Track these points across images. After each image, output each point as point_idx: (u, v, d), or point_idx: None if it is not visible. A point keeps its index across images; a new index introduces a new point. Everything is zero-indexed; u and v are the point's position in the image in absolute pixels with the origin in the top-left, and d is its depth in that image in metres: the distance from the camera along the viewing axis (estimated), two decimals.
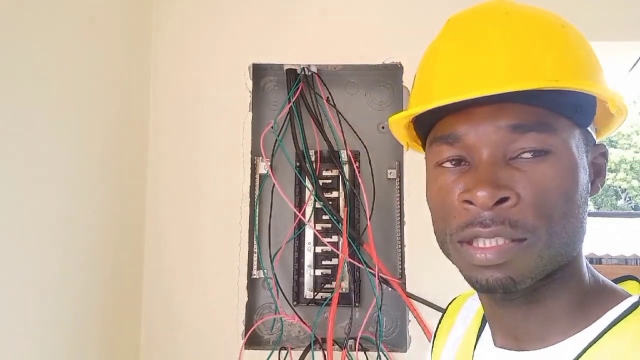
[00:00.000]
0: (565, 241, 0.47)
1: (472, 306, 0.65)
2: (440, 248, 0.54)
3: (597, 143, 0.53)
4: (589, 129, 0.51)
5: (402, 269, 1.32)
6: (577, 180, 0.48)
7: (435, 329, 0.70)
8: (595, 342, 0.47)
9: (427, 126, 0.55)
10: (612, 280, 0.55)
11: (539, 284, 0.49)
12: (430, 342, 0.71)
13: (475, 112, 0.48)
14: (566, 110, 0.48)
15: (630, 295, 0.51)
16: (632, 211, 11.38)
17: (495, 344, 0.56)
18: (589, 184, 0.50)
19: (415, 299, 1.26)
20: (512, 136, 0.47)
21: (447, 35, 0.54)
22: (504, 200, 0.46)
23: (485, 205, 0.46)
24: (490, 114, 0.48)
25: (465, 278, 0.51)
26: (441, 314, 0.71)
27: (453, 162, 0.50)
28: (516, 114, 0.47)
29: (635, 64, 1.49)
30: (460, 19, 0.54)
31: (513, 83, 0.46)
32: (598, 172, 0.53)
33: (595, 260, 5.99)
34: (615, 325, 0.47)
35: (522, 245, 0.46)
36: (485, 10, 0.52)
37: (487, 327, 0.59)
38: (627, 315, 0.48)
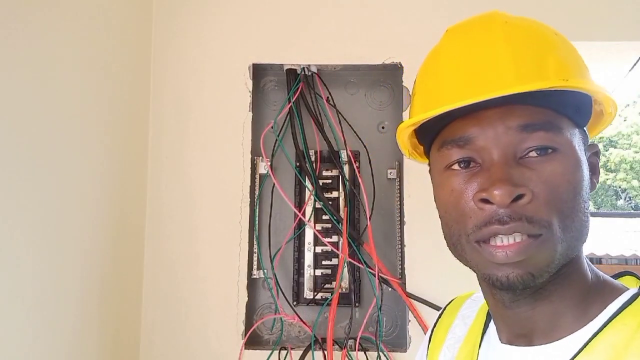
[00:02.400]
0: (575, 235, 0.49)
1: (472, 307, 0.66)
2: (452, 250, 0.55)
3: (590, 143, 0.56)
4: (585, 129, 0.54)
5: (402, 269, 1.31)
6: (582, 176, 0.50)
7: (431, 328, 0.70)
8: (597, 335, 0.49)
9: (432, 133, 0.56)
10: (611, 276, 0.57)
11: (546, 281, 0.50)
12: (426, 340, 0.71)
13: (484, 114, 0.50)
14: (568, 110, 0.51)
15: (629, 289, 0.53)
16: (632, 211, 11.38)
17: (501, 341, 0.57)
18: (590, 181, 0.52)
19: (415, 299, 1.26)
20: (521, 135, 0.49)
21: (449, 43, 0.55)
22: (519, 197, 0.48)
23: (503, 202, 0.47)
24: (500, 116, 0.49)
25: (483, 276, 0.52)
26: (438, 314, 0.71)
27: (462, 165, 0.52)
28: (524, 114, 0.49)
29: (635, 64, 1.49)
30: (460, 28, 0.56)
31: (522, 84, 0.48)
32: (593, 170, 0.55)
33: (595, 260, 5.99)
34: (615, 317, 0.49)
35: (538, 240, 0.48)
36: (484, 20, 0.54)
37: (491, 325, 0.61)
38: (626, 308, 0.50)
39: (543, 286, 0.51)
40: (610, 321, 0.49)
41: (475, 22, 0.55)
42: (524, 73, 0.49)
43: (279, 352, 1.27)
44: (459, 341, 0.64)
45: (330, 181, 1.37)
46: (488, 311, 0.62)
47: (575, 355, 0.49)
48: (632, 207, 12.53)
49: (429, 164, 0.59)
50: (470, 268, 0.54)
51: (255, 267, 1.34)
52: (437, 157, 0.55)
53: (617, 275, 0.57)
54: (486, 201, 0.49)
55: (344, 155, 1.36)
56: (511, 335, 0.56)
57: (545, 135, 0.49)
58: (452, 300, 0.72)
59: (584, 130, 0.54)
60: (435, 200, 0.56)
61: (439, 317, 0.71)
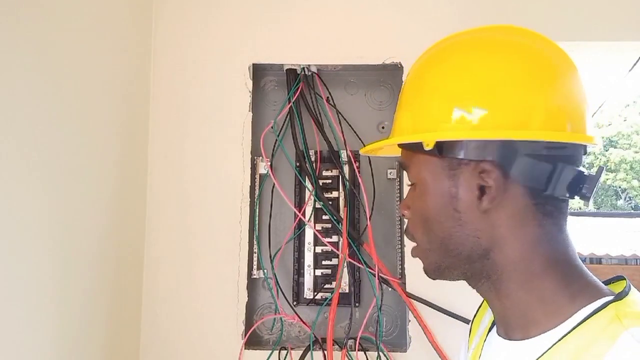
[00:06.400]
0: (432, 247, 0.62)
1: None
2: None
3: (481, 160, 0.57)
4: (460, 156, 0.57)
5: (402, 269, 1.32)
6: (433, 203, 0.60)
7: (472, 320, 0.77)
8: (563, 337, 0.53)
9: None
10: (606, 280, 0.59)
11: (478, 284, 0.62)
12: (467, 330, 0.78)
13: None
14: (417, 148, 0.60)
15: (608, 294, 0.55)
16: (632, 211, 11.39)
17: (497, 332, 0.64)
18: (455, 201, 0.58)
19: (415, 299, 1.26)
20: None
21: None
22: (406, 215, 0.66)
23: (404, 217, 0.67)
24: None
25: None
26: (478, 305, 0.77)
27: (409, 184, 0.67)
28: (402, 154, 0.67)
29: (635, 64, 1.49)
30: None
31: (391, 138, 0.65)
32: (480, 189, 0.57)
33: (595, 260, 6.00)
34: (585, 321, 0.53)
35: (417, 247, 0.65)
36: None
37: None
38: (596, 313, 0.52)
39: (501, 284, 0.59)
40: (578, 325, 0.52)
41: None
42: (396, 127, 0.66)
43: (279, 352, 1.27)
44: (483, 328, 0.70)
45: (330, 181, 1.37)
46: None
47: (542, 355, 0.54)
48: (632, 207, 12.53)
49: None
50: None
51: (255, 267, 1.34)
52: None
53: (615, 279, 0.60)
54: None
55: (344, 155, 1.36)
56: (499, 327, 0.63)
57: (407, 171, 0.65)
58: None
59: (454, 158, 0.57)
60: None
61: (478, 309, 0.76)
